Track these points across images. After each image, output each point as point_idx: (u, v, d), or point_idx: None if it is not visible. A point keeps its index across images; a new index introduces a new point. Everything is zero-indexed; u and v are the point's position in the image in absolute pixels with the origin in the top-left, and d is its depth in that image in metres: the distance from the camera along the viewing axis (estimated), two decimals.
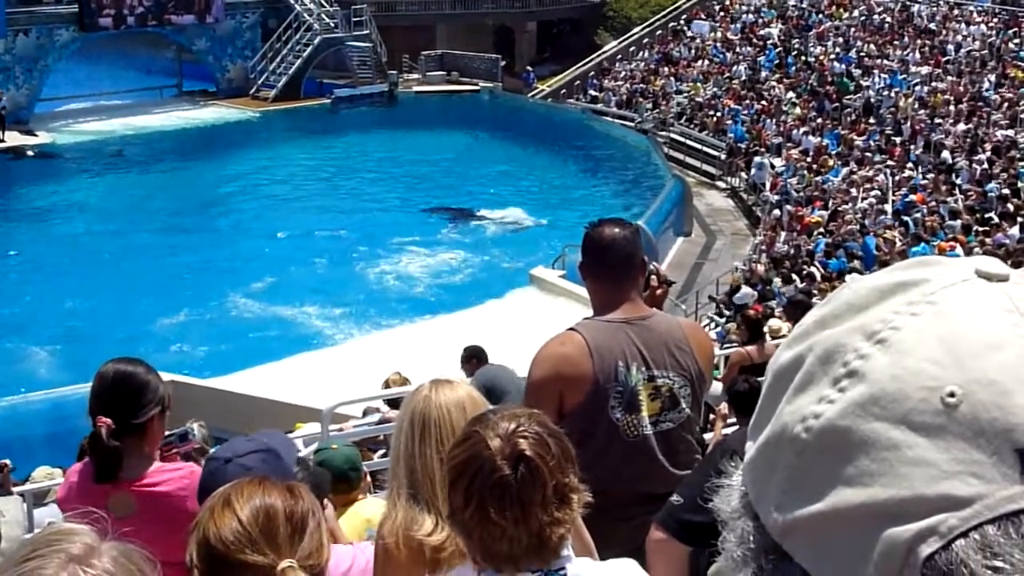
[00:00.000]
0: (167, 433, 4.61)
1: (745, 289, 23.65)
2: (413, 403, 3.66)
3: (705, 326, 21.78)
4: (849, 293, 1.01)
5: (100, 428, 4.29)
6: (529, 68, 53.62)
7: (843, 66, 43.25)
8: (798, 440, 0.97)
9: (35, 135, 42.71)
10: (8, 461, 13.59)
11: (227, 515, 2.63)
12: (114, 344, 24.17)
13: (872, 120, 38.02)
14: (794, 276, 24.85)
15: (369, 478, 6.28)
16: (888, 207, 29.42)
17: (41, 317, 26.61)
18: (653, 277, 5.54)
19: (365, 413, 12.75)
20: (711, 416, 10.75)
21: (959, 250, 22.04)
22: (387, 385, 12.18)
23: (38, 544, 1.79)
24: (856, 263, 24.40)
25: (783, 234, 30.05)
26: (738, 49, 48.75)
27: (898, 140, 35.81)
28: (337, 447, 5.17)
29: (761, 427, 1.02)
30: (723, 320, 22.26)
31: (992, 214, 26.76)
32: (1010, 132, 33.89)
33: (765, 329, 12.35)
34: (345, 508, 5.54)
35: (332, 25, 50.72)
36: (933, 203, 28.32)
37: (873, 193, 30.58)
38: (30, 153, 40.82)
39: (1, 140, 41.22)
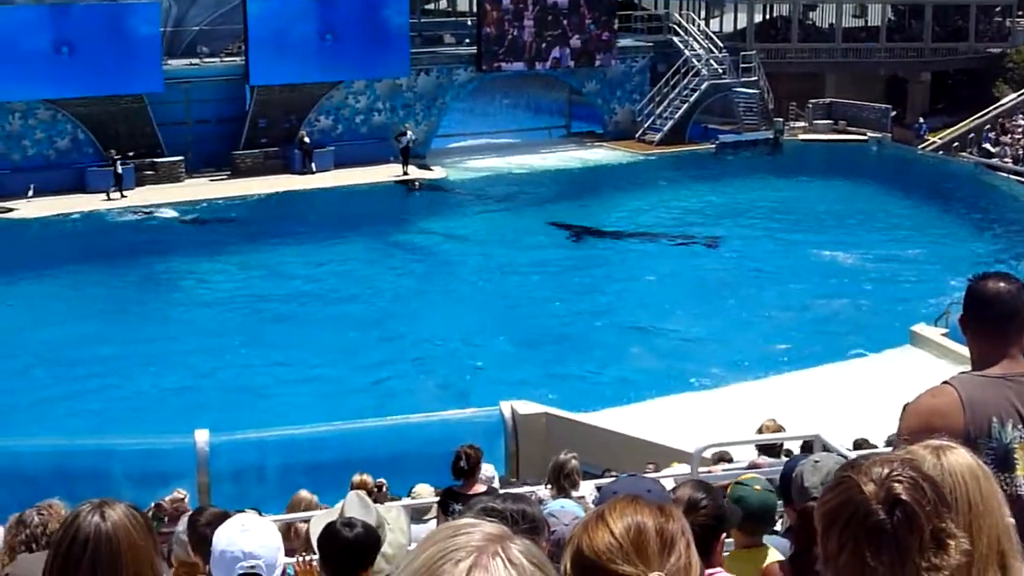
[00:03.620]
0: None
1: None
2: None
3: None
4: None
5: None
6: (921, 119, 52.10)
7: None
8: None
9: (430, 169, 44.72)
10: (384, 480, 14.27)
11: (601, 528, 2.73)
12: (490, 374, 25.07)
13: None
14: None
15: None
16: None
17: (426, 340, 27.77)
18: None
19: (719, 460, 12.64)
20: None
21: None
22: (760, 431, 12.07)
23: (456, 527, 1.91)
24: None
25: None
26: None
27: None
28: (760, 488, 5.19)
29: None
30: None
31: None
32: None
33: None
34: (743, 550, 5.52)
35: (720, 71, 50.90)
36: None
37: None
38: (417, 186, 42.72)
39: (405, 173, 43.46)
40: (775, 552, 5.52)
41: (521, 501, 4.86)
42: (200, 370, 25.80)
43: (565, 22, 48.41)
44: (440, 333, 28.21)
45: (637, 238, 37.15)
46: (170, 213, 39.04)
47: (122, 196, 39.99)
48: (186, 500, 14.40)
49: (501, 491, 8.28)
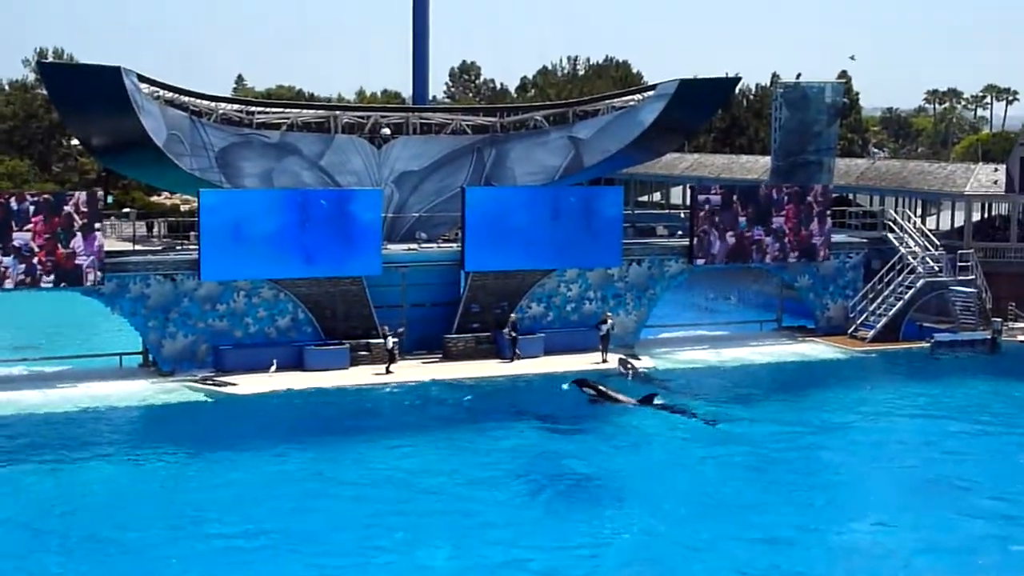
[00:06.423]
0: None
1: None
2: None
3: None
4: None
5: None
6: None
7: None
8: None
9: (639, 359, 44.75)
10: None
11: None
12: None
13: None
14: None
15: None
16: None
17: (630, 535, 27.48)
18: None
19: None
20: None
21: None
22: None
23: None
24: None
25: None
26: None
27: None
28: None
29: None
30: None
31: None
32: None
33: None
34: None
35: (936, 268, 50.17)
36: None
37: None
38: (630, 373, 42.66)
39: (603, 360, 43.89)
40: None
41: None
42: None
43: (717, 219, 48.26)
44: (642, 531, 27.89)
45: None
46: (436, 390, 40.56)
47: (388, 372, 41.89)
48: None
49: None
